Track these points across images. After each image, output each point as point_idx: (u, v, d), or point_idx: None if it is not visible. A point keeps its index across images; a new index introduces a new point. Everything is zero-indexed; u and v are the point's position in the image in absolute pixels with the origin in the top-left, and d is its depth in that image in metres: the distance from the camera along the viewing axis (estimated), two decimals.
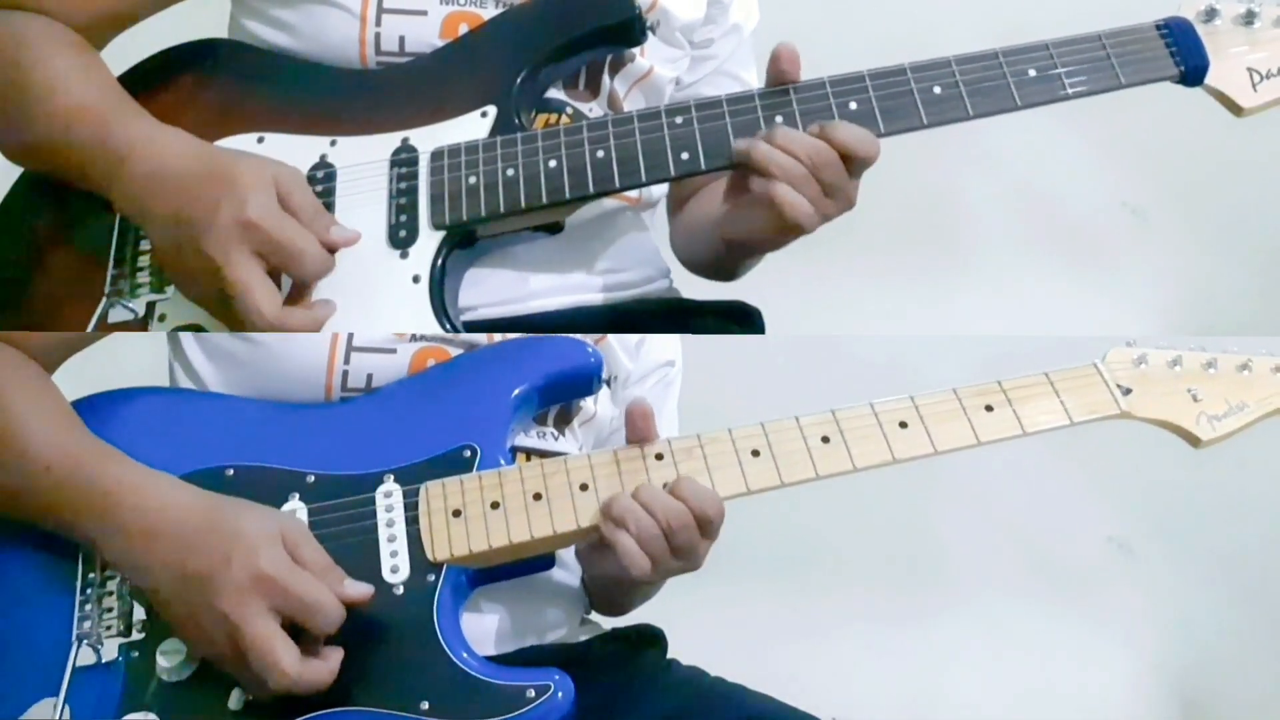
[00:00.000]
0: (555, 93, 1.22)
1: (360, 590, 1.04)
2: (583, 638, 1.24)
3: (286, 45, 1.22)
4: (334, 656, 1.02)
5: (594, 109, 1.24)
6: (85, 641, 1.07)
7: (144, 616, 1.07)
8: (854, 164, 1.10)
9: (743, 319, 1.34)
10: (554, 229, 1.18)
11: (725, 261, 1.34)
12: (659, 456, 1.11)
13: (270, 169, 1.10)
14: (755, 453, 1.10)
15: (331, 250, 1.10)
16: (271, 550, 1.02)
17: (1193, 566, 2.17)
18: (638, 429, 1.12)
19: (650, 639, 1.27)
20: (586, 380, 1.17)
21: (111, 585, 1.09)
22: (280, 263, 1.07)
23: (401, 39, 1.19)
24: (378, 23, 1.19)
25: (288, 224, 1.08)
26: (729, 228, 1.19)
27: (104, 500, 1.06)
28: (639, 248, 1.32)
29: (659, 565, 1.06)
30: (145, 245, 1.16)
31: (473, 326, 1.17)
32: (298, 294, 1.10)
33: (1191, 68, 1.14)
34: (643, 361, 1.30)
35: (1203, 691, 2.15)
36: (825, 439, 1.11)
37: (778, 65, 1.14)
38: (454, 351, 1.17)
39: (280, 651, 0.99)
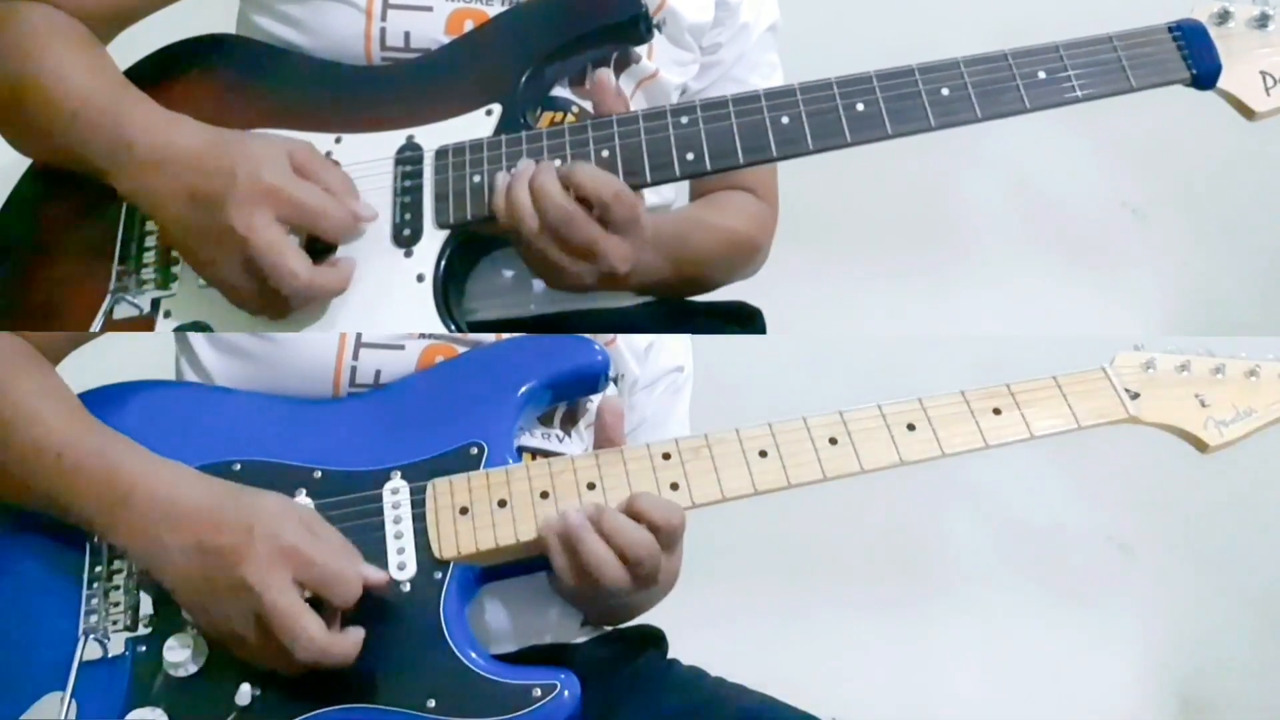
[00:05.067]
0: (561, 91, 1.23)
1: (377, 574, 1.05)
2: (583, 638, 1.24)
3: (294, 40, 1.22)
4: (355, 633, 1.02)
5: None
6: (91, 636, 1.07)
7: (151, 611, 1.07)
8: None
9: (745, 320, 1.34)
10: None
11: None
12: (666, 456, 1.10)
13: (282, 141, 1.11)
14: (763, 453, 1.10)
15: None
16: (292, 524, 1.03)
17: (1193, 566, 2.17)
18: (605, 426, 1.12)
19: (651, 639, 1.28)
20: (594, 378, 1.17)
21: (118, 579, 1.09)
22: (304, 222, 1.08)
23: (407, 34, 1.20)
24: (383, 18, 1.20)
25: (305, 185, 1.09)
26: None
27: (115, 485, 1.06)
28: None
29: (614, 595, 1.05)
30: (150, 242, 1.16)
31: (477, 326, 1.18)
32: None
33: (1204, 71, 1.13)
34: (651, 367, 1.30)
35: (1203, 691, 2.15)
36: (833, 440, 1.11)
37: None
38: (462, 349, 1.18)
39: (308, 620, 1.00)
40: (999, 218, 2.24)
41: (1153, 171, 2.26)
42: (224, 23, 1.29)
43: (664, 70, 1.27)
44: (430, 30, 1.20)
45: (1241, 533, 2.16)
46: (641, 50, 1.25)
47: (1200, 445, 1.17)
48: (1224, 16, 1.14)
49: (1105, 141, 2.20)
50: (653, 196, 1.29)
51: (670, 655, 1.28)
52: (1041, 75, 1.12)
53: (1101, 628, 2.15)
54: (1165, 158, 2.22)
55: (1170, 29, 1.14)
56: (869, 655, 2.09)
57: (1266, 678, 2.12)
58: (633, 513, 1.05)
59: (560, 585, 1.07)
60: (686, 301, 1.35)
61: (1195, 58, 1.13)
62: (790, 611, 2.08)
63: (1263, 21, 1.14)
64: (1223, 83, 1.14)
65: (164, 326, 1.14)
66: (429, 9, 1.21)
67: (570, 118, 1.21)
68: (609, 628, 1.27)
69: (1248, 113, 1.14)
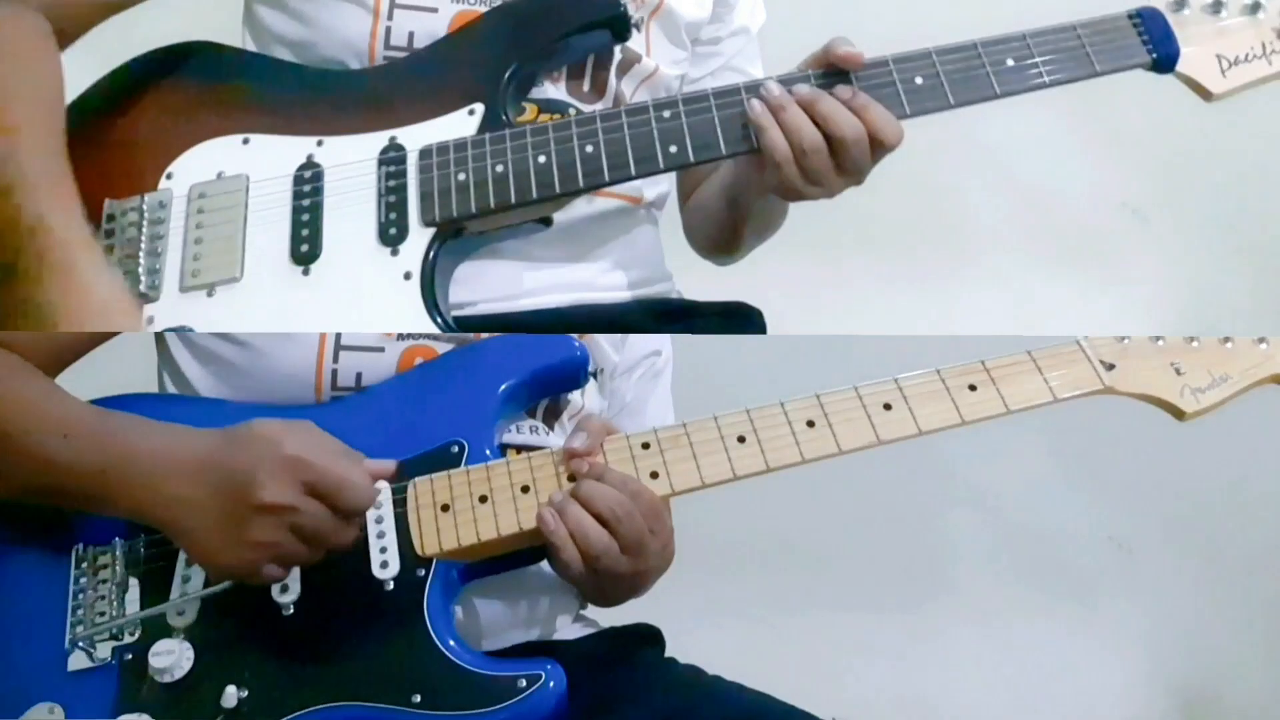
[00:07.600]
0: (559, 94, 1.23)
1: (383, 465, 1.10)
2: (578, 635, 1.24)
3: (299, 36, 1.23)
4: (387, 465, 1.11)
5: (598, 109, 1.23)
6: (79, 645, 1.07)
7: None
8: (879, 149, 1.12)
9: (743, 319, 1.34)
10: (544, 224, 1.18)
11: (727, 223, 1.35)
12: (645, 445, 1.11)
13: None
14: (741, 439, 1.11)
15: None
16: (293, 439, 1.05)
17: (1193, 567, 2.17)
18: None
19: (648, 637, 1.27)
20: (573, 374, 1.18)
21: (104, 589, 1.09)
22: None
23: (411, 34, 1.20)
24: (389, 17, 1.20)
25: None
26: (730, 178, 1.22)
27: (123, 448, 1.06)
28: (639, 247, 1.32)
29: (601, 559, 1.07)
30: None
31: (465, 323, 1.17)
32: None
33: (1163, 55, 1.16)
34: (628, 353, 1.31)
35: (1203, 692, 2.15)
36: (810, 423, 1.12)
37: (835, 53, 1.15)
38: (442, 349, 1.18)
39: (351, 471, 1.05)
40: (999, 218, 2.24)
41: (1152, 171, 2.26)
42: (230, 15, 1.29)
43: (663, 66, 1.29)
44: (434, 31, 1.21)
45: (1241, 532, 2.16)
46: (640, 50, 1.26)
47: (1177, 413, 1.17)
48: (1180, 3, 1.17)
49: (1106, 141, 2.21)
50: (651, 190, 1.31)
51: (668, 654, 1.27)
52: (1010, 62, 1.15)
53: (1102, 628, 2.15)
54: (1165, 157, 2.22)
55: (1131, 16, 1.17)
56: (869, 655, 2.08)
57: (1268, 677, 2.12)
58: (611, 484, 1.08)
59: (558, 563, 1.08)
60: (686, 301, 1.35)
61: (1155, 43, 1.16)
62: (790, 611, 2.09)
63: (1216, 8, 1.17)
64: (1181, 66, 1.16)
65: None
66: (434, 10, 1.21)
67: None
68: (606, 625, 1.27)
69: (1205, 94, 1.17)
